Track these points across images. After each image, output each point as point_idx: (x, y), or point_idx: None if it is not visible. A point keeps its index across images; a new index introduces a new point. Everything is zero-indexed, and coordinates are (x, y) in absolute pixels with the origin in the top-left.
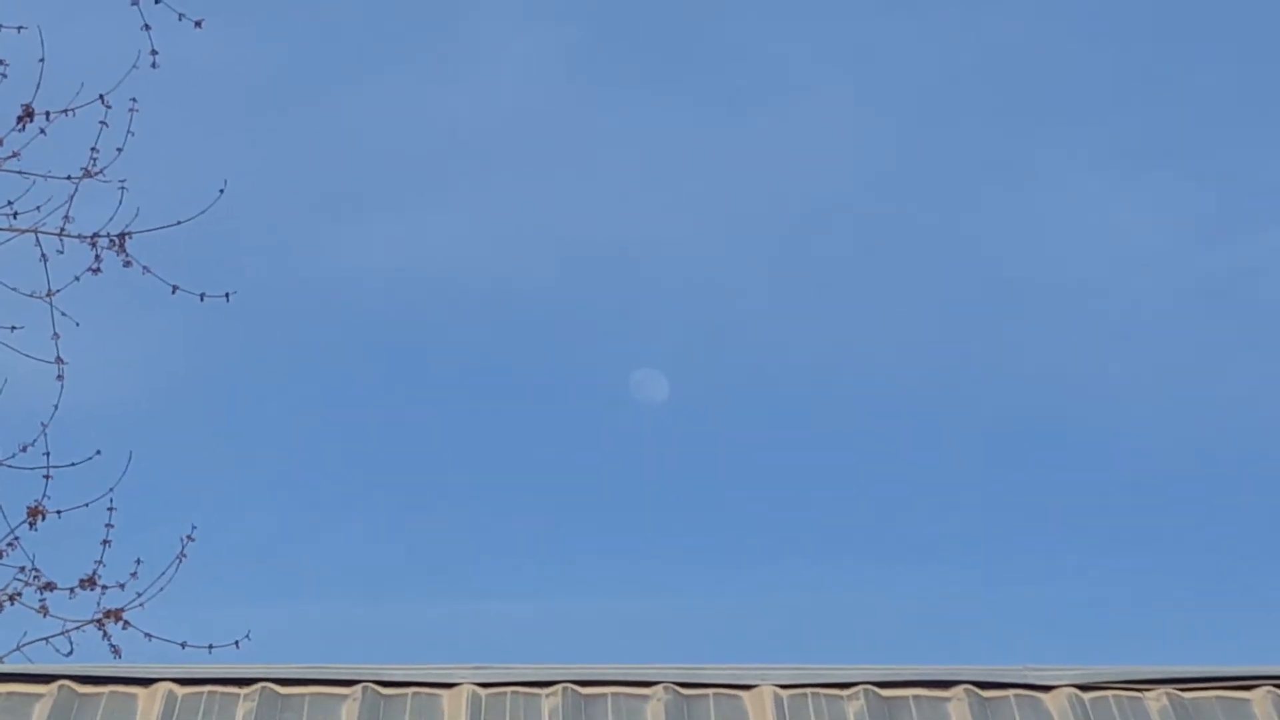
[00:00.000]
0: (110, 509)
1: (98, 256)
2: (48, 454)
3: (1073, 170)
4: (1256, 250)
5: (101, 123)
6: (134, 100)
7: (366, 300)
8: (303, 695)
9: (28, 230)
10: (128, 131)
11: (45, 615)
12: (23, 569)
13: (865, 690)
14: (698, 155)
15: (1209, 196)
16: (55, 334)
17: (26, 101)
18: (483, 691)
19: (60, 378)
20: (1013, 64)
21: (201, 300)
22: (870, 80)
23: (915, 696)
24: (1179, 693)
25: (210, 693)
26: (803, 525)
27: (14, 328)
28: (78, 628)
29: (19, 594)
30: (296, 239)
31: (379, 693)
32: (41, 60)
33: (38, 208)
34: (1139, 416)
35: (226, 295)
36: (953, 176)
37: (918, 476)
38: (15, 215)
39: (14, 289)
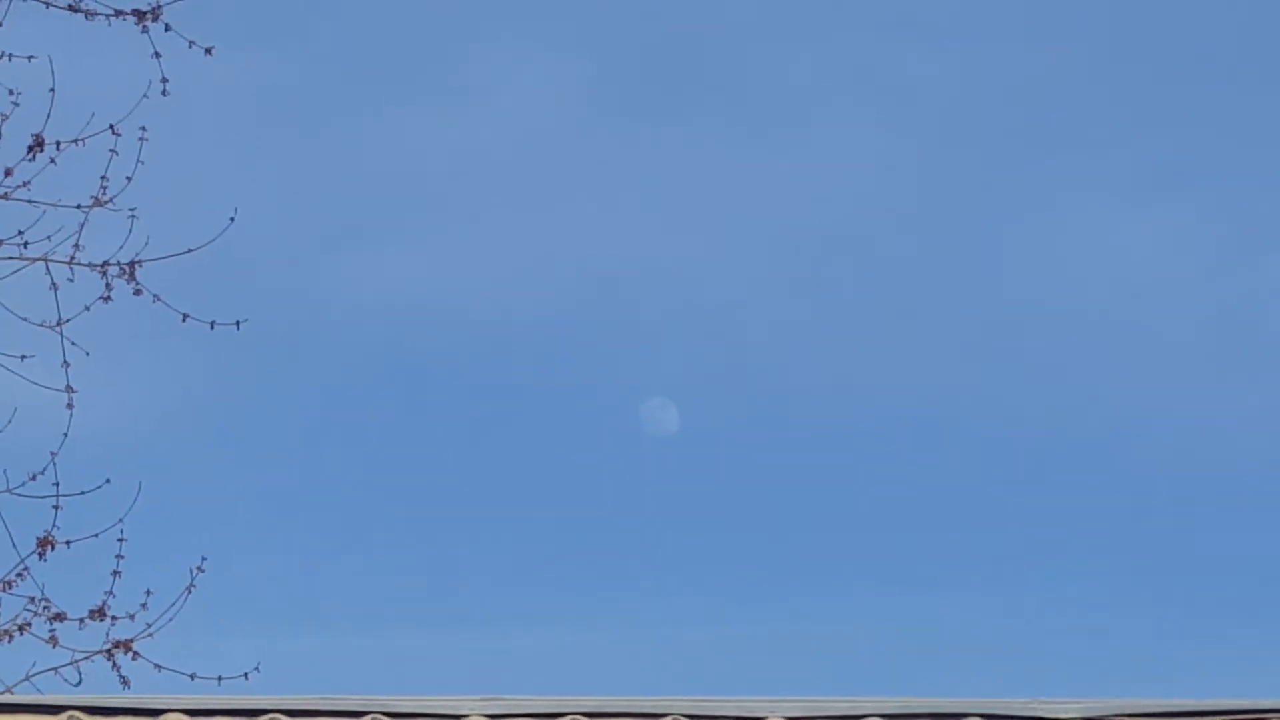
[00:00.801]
0: (120, 539)
1: (108, 285)
2: (57, 483)
3: (1088, 198)
4: (1269, 278)
5: (111, 151)
6: (143, 129)
7: (376, 328)
8: None
9: (38, 259)
10: (138, 159)
11: (55, 646)
12: (32, 599)
13: None
14: (709, 183)
15: (1223, 224)
16: (65, 362)
17: (37, 131)
18: None
19: (70, 406)
20: (1029, 93)
21: (212, 328)
22: (885, 108)
23: None
24: None
25: None
26: (812, 554)
27: (23, 356)
28: (87, 658)
29: (28, 624)
30: (307, 266)
31: None
32: (52, 90)
33: (48, 237)
34: (1152, 443)
35: (237, 323)
36: (967, 204)
37: (928, 503)
38: (25, 244)
39: (24, 319)
